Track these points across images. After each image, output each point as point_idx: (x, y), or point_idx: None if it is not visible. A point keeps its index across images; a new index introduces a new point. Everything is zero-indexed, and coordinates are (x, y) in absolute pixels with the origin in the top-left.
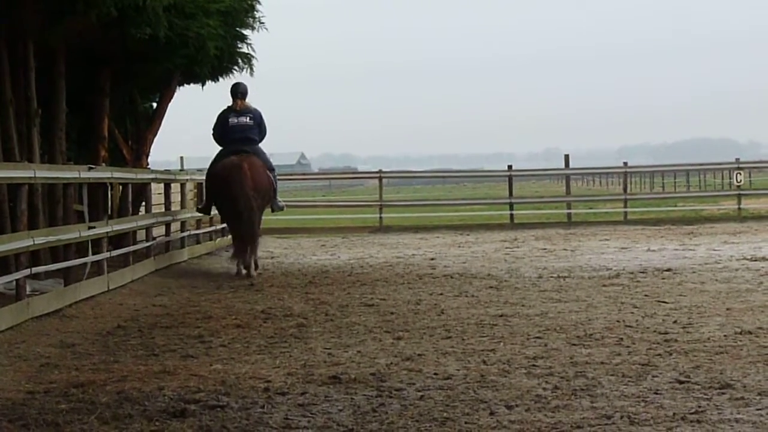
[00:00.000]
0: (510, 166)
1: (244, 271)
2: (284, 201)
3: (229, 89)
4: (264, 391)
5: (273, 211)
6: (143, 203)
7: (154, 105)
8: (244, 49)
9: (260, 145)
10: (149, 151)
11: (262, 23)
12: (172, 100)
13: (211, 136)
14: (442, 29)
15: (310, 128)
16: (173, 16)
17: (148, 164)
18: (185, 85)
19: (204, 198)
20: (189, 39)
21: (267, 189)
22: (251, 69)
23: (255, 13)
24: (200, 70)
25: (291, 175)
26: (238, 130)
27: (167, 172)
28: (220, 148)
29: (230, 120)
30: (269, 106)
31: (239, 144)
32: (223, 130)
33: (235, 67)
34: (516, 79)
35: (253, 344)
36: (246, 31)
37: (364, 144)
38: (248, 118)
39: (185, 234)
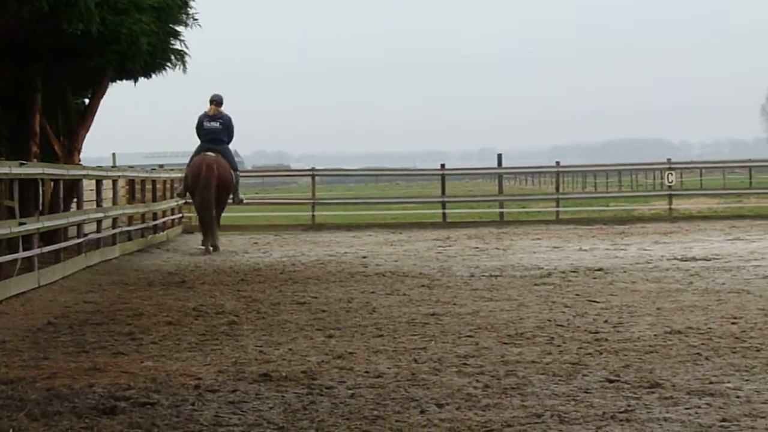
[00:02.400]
0: (443, 165)
1: (211, 249)
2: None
3: (209, 97)
4: (194, 388)
5: (235, 203)
6: (75, 200)
7: (86, 101)
8: (178, 45)
9: (230, 144)
10: (81, 148)
11: (196, 20)
12: (105, 97)
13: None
14: (375, 26)
15: (244, 125)
16: (106, 12)
17: (79, 160)
18: (118, 81)
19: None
20: (121, 35)
21: (228, 184)
22: (184, 65)
23: (188, 9)
24: (133, 66)
25: None
26: (210, 132)
27: (99, 168)
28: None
29: (204, 123)
30: (201, 103)
31: (210, 144)
32: (198, 131)
33: (168, 64)
34: (451, 78)
35: (184, 341)
36: (179, 28)
37: (297, 142)
38: (219, 123)
39: (117, 231)
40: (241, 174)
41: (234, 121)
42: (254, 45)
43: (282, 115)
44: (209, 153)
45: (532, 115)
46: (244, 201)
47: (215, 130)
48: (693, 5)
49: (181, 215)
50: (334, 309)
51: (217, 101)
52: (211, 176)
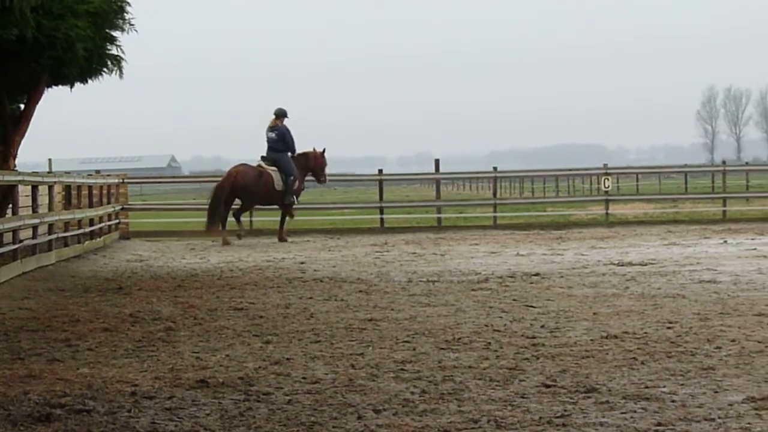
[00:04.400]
0: (381, 170)
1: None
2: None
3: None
4: (131, 395)
5: (285, 203)
6: (10, 205)
7: (22, 107)
8: (114, 50)
9: (288, 152)
10: (17, 153)
11: (132, 25)
12: (41, 102)
13: None
14: (313, 30)
15: (182, 130)
16: (41, 17)
17: (15, 166)
18: (53, 86)
19: None
20: (57, 40)
21: (247, 189)
22: (120, 71)
23: (125, 14)
24: (68, 72)
25: (160, 178)
26: (268, 141)
27: (35, 174)
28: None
29: (267, 134)
30: (140, 107)
31: (268, 151)
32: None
33: (105, 69)
34: (389, 84)
35: (120, 348)
36: (116, 33)
37: (235, 146)
38: (275, 133)
39: (53, 237)
40: (178, 180)
41: (290, 132)
42: (192, 46)
43: (219, 120)
44: (243, 163)
45: (470, 121)
46: (294, 203)
47: (272, 140)
48: (631, 15)
49: (117, 221)
50: (271, 315)
51: (277, 114)
52: (225, 182)
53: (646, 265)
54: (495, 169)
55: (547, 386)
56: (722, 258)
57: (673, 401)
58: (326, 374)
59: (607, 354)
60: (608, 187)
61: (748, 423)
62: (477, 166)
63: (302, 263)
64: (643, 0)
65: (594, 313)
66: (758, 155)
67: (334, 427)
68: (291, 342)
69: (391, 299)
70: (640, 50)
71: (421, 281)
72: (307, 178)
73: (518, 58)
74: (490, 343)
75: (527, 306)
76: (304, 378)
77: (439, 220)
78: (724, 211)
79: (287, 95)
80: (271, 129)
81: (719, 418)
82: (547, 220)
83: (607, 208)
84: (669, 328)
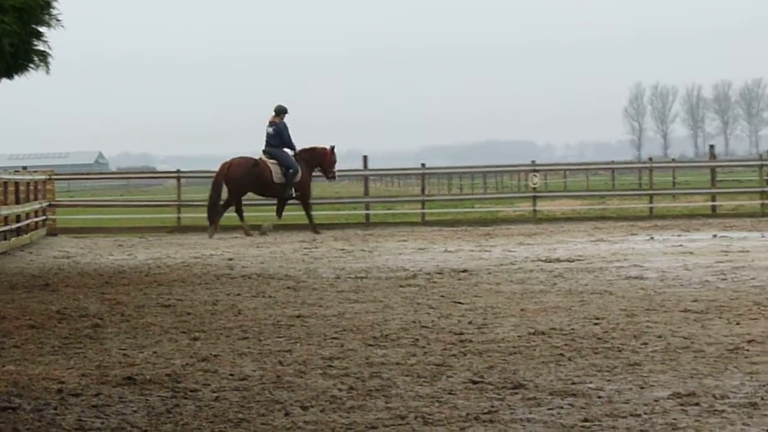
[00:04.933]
0: None
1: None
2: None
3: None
4: (57, 392)
5: (285, 197)
6: None
7: None
8: (41, 46)
9: (285, 148)
10: None
11: (59, 20)
12: None
13: None
14: (240, 22)
15: (109, 126)
16: None
17: None
18: None
19: None
20: None
21: (239, 181)
22: (47, 66)
23: (51, 10)
24: None
25: (88, 174)
26: (267, 136)
27: None
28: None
29: (266, 129)
30: (64, 105)
31: (266, 146)
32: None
33: (31, 65)
34: (316, 80)
35: (47, 345)
36: (42, 28)
37: (163, 143)
38: (273, 129)
39: None
40: (105, 176)
41: (288, 129)
42: (120, 40)
43: (147, 116)
44: (238, 156)
45: (399, 117)
46: (293, 196)
47: (269, 135)
48: (560, 14)
49: (44, 218)
50: (199, 311)
51: (276, 111)
52: (219, 175)
53: (573, 261)
54: (423, 165)
55: (475, 382)
56: (649, 254)
57: (599, 397)
58: (254, 371)
59: (535, 350)
60: (536, 183)
61: (674, 418)
62: (407, 163)
63: (230, 260)
64: (572, 0)
65: (521, 310)
66: (685, 152)
67: (261, 423)
68: (218, 339)
69: (319, 296)
70: (570, 48)
71: (349, 278)
72: (315, 174)
73: (449, 55)
74: (417, 339)
75: (455, 302)
76: (231, 375)
77: (367, 216)
78: (651, 208)
79: (208, 88)
80: (270, 125)
81: (645, 413)
82: (475, 216)
83: (534, 205)
84: (596, 324)
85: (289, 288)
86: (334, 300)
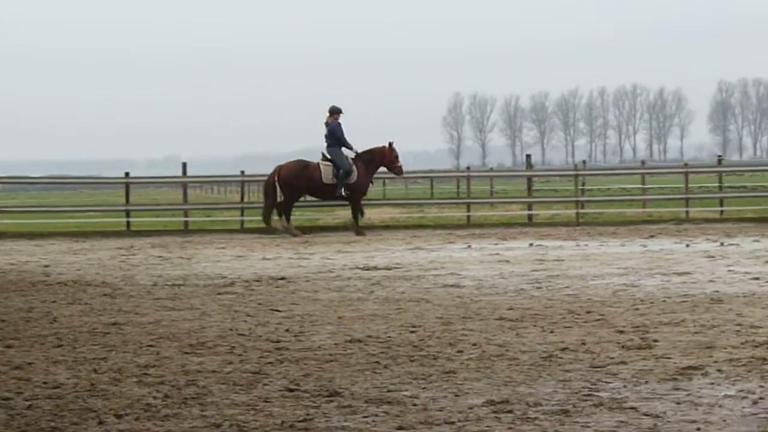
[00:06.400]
0: (127, 173)
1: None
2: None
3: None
4: None
5: (336, 197)
6: None
7: None
8: None
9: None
10: None
11: None
12: None
13: None
14: (82, 21)
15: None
16: None
17: None
18: None
19: None
20: None
21: (287, 181)
22: None
23: None
24: None
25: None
26: (325, 137)
27: None
28: None
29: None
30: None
31: (327, 146)
32: None
33: None
34: (138, 85)
35: None
36: None
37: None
38: (327, 129)
39: None
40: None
41: (341, 127)
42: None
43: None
44: (291, 160)
45: (217, 124)
46: (342, 195)
47: (325, 135)
48: (383, 27)
49: None
50: (13, 319)
51: (330, 111)
52: (271, 177)
53: (391, 269)
54: (242, 172)
55: (291, 390)
56: (466, 262)
57: (414, 405)
58: (68, 379)
59: (351, 358)
60: None
61: (487, 426)
62: (226, 170)
63: (46, 266)
64: (394, 16)
65: (339, 317)
66: (502, 161)
67: None
68: (33, 346)
69: (135, 303)
70: (391, 59)
71: (166, 285)
72: (382, 173)
73: (262, 63)
74: (234, 347)
75: (272, 310)
76: (45, 383)
77: (186, 223)
78: (469, 216)
79: (27, 88)
80: (326, 125)
81: (459, 421)
82: (295, 223)
83: None
84: (412, 332)
85: (105, 295)
86: (150, 307)
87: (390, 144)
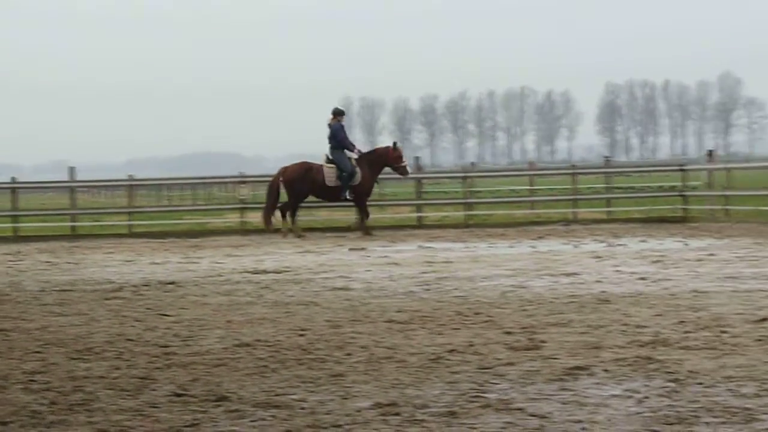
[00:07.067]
0: (14, 178)
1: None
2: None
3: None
4: None
5: (340, 199)
6: None
7: None
8: None
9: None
10: None
11: None
12: None
13: None
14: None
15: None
16: None
17: None
18: None
19: None
20: None
21: (289, 182)
22: None
23: None
24: None
25: None
26: (327, 138)
27: None
28: None
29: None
30: None
31: (329, 148)
32: None
33: None
34: (23, 91)
35: None
36: None
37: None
38: (329, 131)
39: None
40: None
41: (343, 129)
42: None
43: None
44: (295, 162)
45: (106, 129)
46: (347, 197)
47: (328, 137)
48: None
49: None
50: None
51: (333, 113)
52: (275, 179)
53: (280, 272)
54: (130, 176)
55: (179, 395)
56: (355, 265)
57: (302, 408)
58: None
59: (239, 362)
60: (244, 195)
61: (375, 428)
62: (115, 175)
63: None
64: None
65: (228, 321)
66: None
67: None
68: None
69: (22, 309)
70: (285, 59)
71: (54, 290)
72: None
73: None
74: (122, 352)
75: (161, 315)
76: None
77: (73, 228)
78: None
79: None
80: (328, 126)
81: (347, 424)
82: (183, 228)
83: (243, 216)
84: (301, 335)
85: None
86: (37, 313)
87: (394, 144)
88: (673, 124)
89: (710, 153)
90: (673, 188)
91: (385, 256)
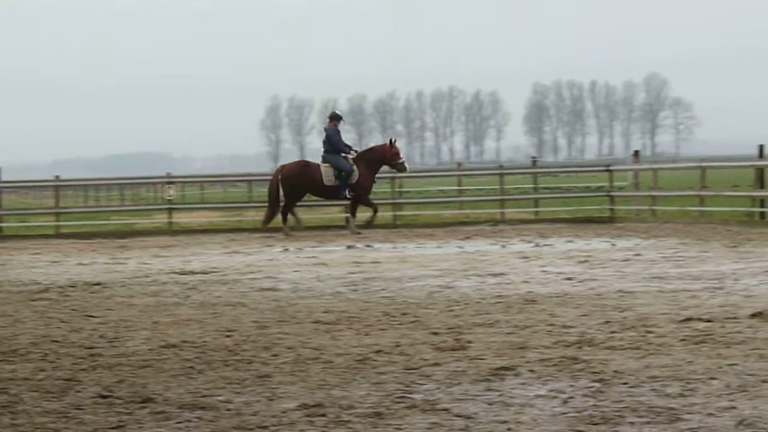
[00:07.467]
0: None
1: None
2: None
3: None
4: None
5: (340, 198)
6: None
7: None
8: None
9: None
10: None
11: None
12: None
13: None
14: None
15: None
16: None
17: None
18: None
19: None
20: None
21: (288, 181)
22: None
23: None
24: None
25: None
26: (323, 142)
27: None
28: None
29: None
30: None
31: (323, 152)
32: None
33: None
34: None
35: None
36: None
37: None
38: (324, 135)
39: None
40: None
41: (339, 134)
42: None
43: None
44: (302, 160)
45: (31, 129)
46: (347, 196)
47: (323, 141)
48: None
49: None
50: None
51: (330, 117)
52: (274, 178)
53: (207, 273)
54: (57, 177)
55: (104, 397)
56: (283, 266)
57: (228, 410)
58: None
59: (165, 363)
60: (171, 195)
61: (300, 430)
62: (41, 175)
63: None
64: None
65: (154, 323)
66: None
67: None
68: None
69: None
70: (211, 62)
71: None
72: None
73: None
74: (47, 354)
75: (87, 316)
76: None
77: (0, 229)
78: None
79: None
80: (324, 130)
81: (272, 425)
82: (111, 229)
83: (170, 217)
84: (228, 336)
85: None
86: None
87: (391, 141)
88: (600, 125)
89: (636, 153)
90: (600, 188)
91: (313, 257)
